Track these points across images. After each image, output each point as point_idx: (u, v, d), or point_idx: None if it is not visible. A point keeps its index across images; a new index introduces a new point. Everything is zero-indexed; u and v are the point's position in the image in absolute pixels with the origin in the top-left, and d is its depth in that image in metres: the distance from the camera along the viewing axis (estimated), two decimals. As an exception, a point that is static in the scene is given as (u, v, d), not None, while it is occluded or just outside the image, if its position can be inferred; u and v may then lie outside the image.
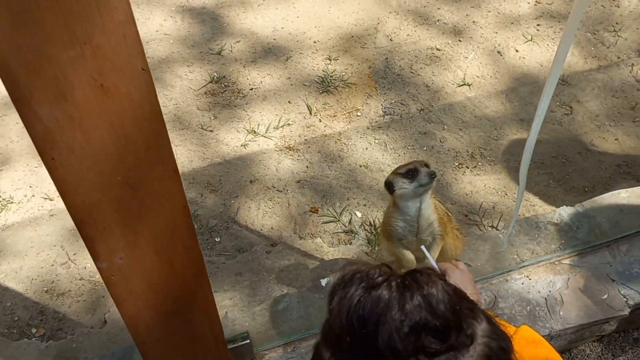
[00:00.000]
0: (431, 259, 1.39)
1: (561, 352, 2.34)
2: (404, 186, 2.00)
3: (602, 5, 3.85)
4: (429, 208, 2.06)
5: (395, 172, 2.06)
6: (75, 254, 2.73)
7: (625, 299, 2.26)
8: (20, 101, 0.99)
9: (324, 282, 2.32)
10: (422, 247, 1.49)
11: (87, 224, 1.21)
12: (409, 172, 2.00)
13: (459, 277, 1.35)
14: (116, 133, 1.10)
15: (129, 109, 1.08)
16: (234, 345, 2.09)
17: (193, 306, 1.51)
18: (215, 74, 3.47)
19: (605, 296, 2.26)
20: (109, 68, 1.01)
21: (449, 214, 2.24)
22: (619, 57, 3.58)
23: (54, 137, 1.06)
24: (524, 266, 2.32)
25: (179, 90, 3.39)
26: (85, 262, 2.71)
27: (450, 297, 0.83)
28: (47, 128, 1.04)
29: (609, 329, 2.33)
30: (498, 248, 2.39)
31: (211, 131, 3.21)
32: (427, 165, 2.02)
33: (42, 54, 0.94)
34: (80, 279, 2.67)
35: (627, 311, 2.24)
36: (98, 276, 2.53)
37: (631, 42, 3.65)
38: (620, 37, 3.67)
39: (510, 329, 1.20)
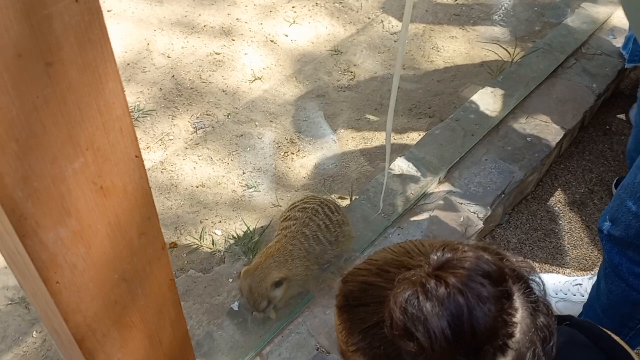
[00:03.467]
0: None
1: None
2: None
3: (336, -23, 4.25)
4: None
5: None
6: None
7: (476, 214, 2.66)
8: (27, 235, 0.87)
9: (235, 306, 2.30)
10: None
11: (87, 338, 1.10)
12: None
13: None
14: (113, 232, 1.02)
15: (124, 202, 1.01)
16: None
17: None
18: None
19: (462, 219, 2.63)
20: (108, 168, 0.94)
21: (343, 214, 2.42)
22: (369, 18, 4.01)
23: (58, 259, 0.95)
24: (393, 220, 2.58)
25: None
26: None
27: None
28: (52, 253, 0.93)
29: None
30: (367, 213, 2.61)
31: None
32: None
33: (47, 176, 0.84)
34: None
35: (480, 224, 2.64)
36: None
37: (372, 2, 4.12)
38: (363, 0, 4.11)
39: None
